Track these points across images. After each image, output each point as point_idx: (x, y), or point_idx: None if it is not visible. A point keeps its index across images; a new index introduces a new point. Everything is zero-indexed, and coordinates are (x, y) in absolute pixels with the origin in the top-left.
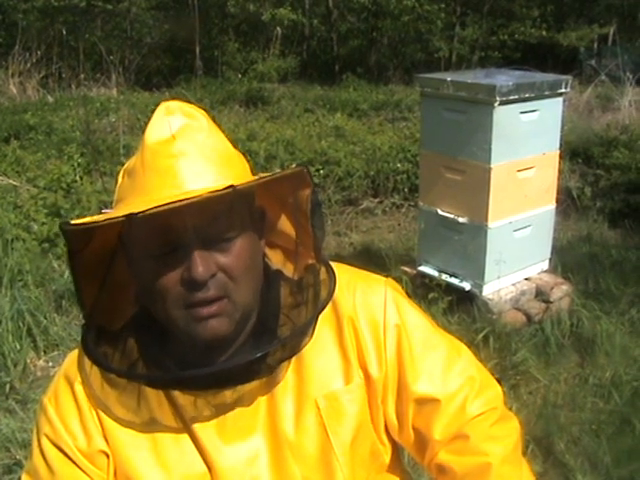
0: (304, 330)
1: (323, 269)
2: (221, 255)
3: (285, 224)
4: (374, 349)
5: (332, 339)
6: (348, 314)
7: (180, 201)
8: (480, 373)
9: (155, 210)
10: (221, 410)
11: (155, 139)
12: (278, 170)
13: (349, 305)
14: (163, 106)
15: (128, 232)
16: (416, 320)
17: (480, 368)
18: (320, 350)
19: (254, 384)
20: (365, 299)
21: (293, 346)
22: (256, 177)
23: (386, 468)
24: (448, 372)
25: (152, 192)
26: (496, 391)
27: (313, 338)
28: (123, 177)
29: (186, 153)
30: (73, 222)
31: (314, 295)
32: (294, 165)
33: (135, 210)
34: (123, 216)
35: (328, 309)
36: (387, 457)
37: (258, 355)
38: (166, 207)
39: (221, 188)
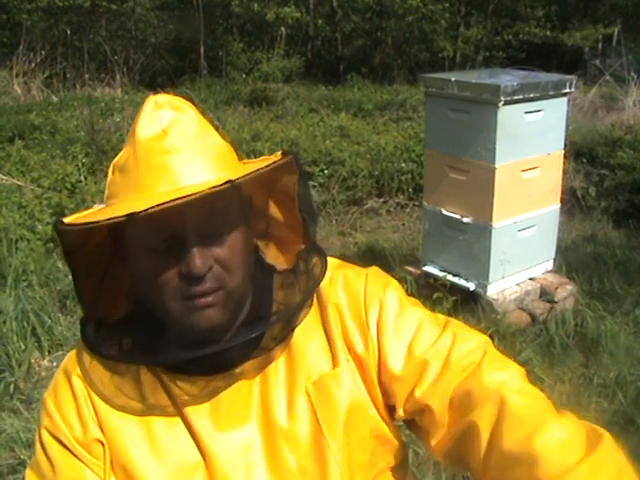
0: (296, 307)
1: (315, 253)
2: (216, 248)
3: (274, 211)
4: (357, 329)
5: (318, 327)
6: (332, 300)
7: (181, 198)
8: (461, 330)
9: (157, 208)
10: (216, 396)
11: (146, 135)
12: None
13: (333, 293)
14: (152, 100)
15: (127, 230)
16: (394, 296)
17: (461, 325)
18: (308, 338)
19: (247, 365)
20: (347, 284)
21: (286, 324)
22: (247, 167)
23: (398, 449)
24: (428, 339)
25: (148, 189)
26: (482, 339)
27: (300, 327)
28: (114, 172)
29: (178, 148)
30: (69, 221)
31: (306, 278)
32: (279, 152)
33: (136, 209)
34: (125, 215)
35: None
36: (396, 439)
37: (257, 333)
38: (168, 205)
39: (219, 183)
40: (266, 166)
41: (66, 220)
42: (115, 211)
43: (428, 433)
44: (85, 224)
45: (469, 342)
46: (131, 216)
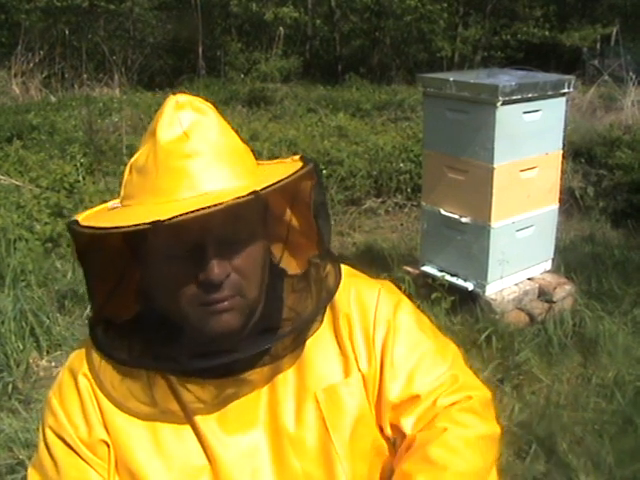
0: (310, 318)
1: (329, 260)
2: (235, 256)
3: (290, 217)
4: (364, 344)
5: (330, 335)
6: (344, 311)
7: (207, 208)
8: (464, 375)
9: (183, 217)
10: (225, 400)
11: (167, 138)
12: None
13: (345, 302)
14: (173, 100)
15: (148, 236)
16: (405, 319)
17: (466, 371)
18: (319, 346)
19: (257, 372)
20: (359, 297)
21: (299, 335)
22: (266, 173)
23: (390, 462)
24: (428, 373)
25: (167, 193)
26: (480, 392)
27: (313, 336)
28: (131, 172)
29: (199, 153)
30: (84, 222)
31: (319, 286)
32: (297, 157)
33: (159, 216)
34: (150, 223)
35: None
36: (389, 452)
37: (269, 345)
38: (194, 214)
39: (244, 193)
40: (290, 175)
41: (80, 220)
42: (135, 215)
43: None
44: (105, 228)
45: (462, 392)
46: (156, 224)
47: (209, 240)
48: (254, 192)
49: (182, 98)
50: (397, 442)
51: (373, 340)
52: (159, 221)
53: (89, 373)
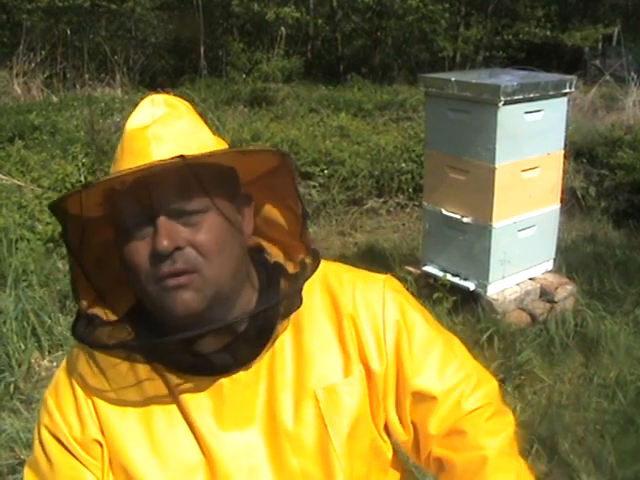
0: (276, 304)
1: (308, 253)
2: (191, 230)
3: (272, 213)
4: (375, 344)
5: (333, 335)
6: (348, 311)
7: (128, 170)
8: (476, 370)
9: (106, 178)
10: (219, 393)
11: (133, 125)
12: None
13: (349, 303)
14: (148, 98)
15: (103, 209)
16: (414, 317)
17: (475, 365)
18: (321, 345)
19: (247, 371)
20: (365, 296)
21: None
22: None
23: (389, 465)
24: (445, 370)
25: None
26: (491, 386)
27: (314, 331)
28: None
29: (161, 137)
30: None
31: (297, 278)
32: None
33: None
34: (80, 187)
35: (329, 306)
36: (389, 454)
37: (230, 322)
38: (112, 177)
39: (170, 158)
40: (231, 149)
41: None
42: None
43: (417, 448)
44: (60, 198)
45: (480, 390)
46: (86, 187)
47: (154, 209)
48: (180, 156)
49: (158, 97)
50: (409, 441)
51: (384, 340)
52: (87, 184)
53: (71, 370)
